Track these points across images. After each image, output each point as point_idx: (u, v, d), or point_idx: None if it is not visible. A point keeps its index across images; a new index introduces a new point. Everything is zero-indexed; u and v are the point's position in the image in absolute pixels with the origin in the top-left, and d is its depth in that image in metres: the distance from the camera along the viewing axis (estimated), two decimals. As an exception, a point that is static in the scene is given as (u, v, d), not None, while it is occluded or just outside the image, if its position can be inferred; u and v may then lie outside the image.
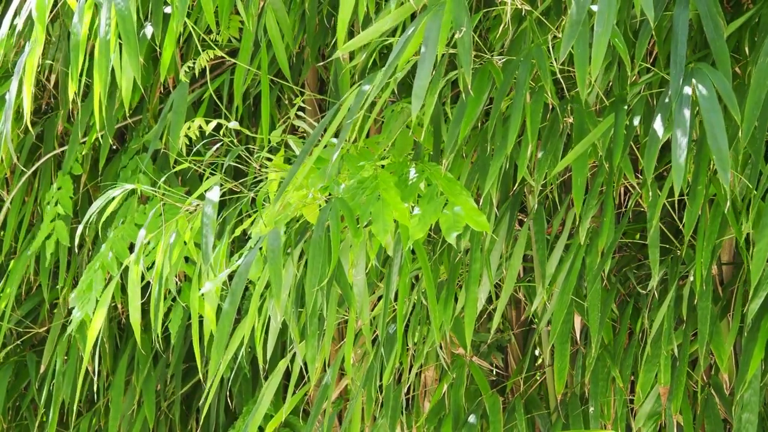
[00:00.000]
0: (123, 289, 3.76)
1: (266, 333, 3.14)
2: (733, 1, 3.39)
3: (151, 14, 3.47)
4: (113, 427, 4.18)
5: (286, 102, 3.99)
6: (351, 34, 3.40)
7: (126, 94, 3.15)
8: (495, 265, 3.26)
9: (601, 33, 2.56)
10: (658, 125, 2.73)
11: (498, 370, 3.84)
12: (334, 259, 2.78)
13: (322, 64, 3.77)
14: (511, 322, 3.85)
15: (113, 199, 3.20)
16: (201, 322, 3.26)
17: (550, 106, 2.95)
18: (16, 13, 3.23)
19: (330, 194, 2.93)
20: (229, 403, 4.22)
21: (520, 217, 3.49)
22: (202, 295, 3.09)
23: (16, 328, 4.39)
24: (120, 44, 3.10)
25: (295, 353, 3.30)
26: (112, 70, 3.13)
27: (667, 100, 2.74)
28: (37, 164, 4.18)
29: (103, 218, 3.35)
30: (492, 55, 2.98)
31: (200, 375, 3.36)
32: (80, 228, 3.25)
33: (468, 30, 2.64)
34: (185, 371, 4.26)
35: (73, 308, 3.30)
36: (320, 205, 2.96)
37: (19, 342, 4.46)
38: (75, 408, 4.21)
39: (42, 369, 4.24)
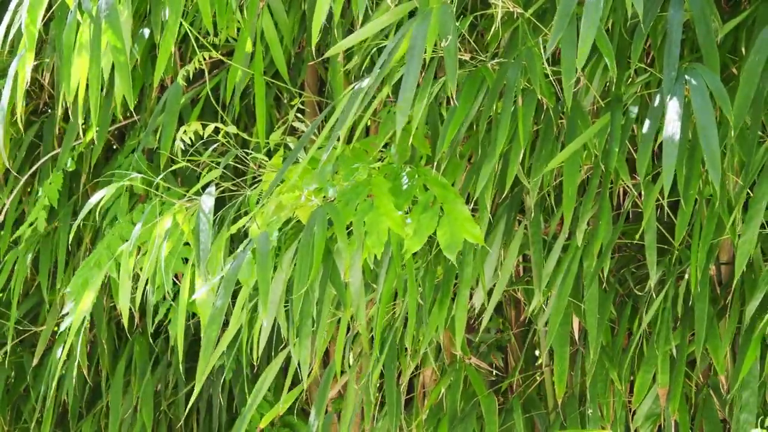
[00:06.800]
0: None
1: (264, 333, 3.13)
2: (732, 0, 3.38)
3: (150, 14, 3.47)
4: (113, 429, 4.18)
5: (286, 102, 3.98)
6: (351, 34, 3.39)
7: (119, 101, 3.14)
8: (491, 268, 3.24)
9: (588, 28, 2.54)
10: (648, 129, 2.72)
11: (498, 371, 3.83)
12: (317, 264, 2.78)
13: (316, 61, 3.75)
14: (511, 322, 3.84)
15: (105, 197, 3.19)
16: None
17: (545, 107, 2.93)
18: (12, 19, 3.20)
19: (324, 196, 2.93)
20: (228, 404, 4.21)
21: (519, 218, 3.47)
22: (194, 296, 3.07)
23: (17, 331, 4.40)
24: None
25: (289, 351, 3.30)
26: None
27: (656, 103, 2.74)
28: (36, 165, 4.18)
29: (88, 210, 3.31)
30: (486, 57, 2.96)
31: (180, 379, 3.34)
32: (74, 225, 3.24)
33: (454, 38, 2.63)
34: (187, 370, 4.25)
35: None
36: (315, 207, 2.95)
37: (18, 342, 4.46)
38: (72, 407, 4.22)
39: (34, 363, 4.23)
